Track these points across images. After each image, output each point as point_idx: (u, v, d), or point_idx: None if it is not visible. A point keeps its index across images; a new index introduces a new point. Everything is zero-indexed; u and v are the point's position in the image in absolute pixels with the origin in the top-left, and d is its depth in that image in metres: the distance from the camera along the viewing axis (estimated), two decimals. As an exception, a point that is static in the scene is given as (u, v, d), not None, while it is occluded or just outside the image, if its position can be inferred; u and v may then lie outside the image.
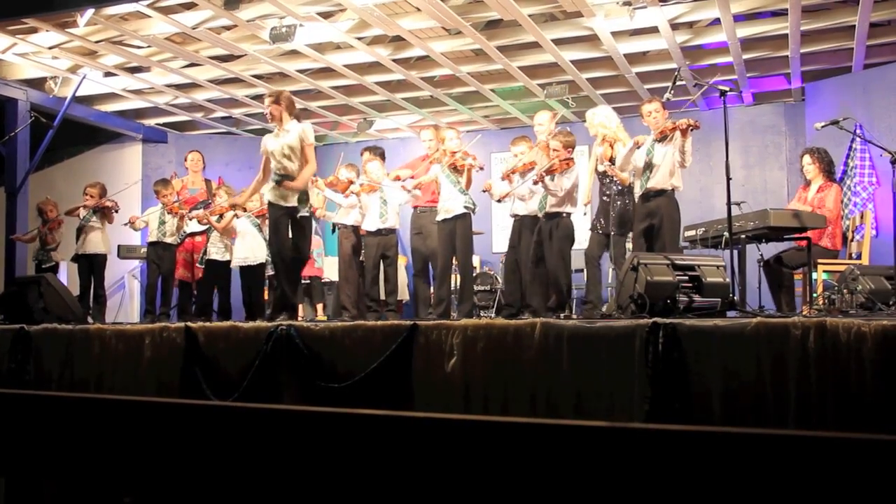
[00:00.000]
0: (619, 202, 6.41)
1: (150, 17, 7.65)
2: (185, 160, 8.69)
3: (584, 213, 7.35)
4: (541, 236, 6.38)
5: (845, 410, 3.50)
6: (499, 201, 7.04)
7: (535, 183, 6.32)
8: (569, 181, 6.31)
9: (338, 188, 7.43)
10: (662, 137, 6.07)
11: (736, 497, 1.65)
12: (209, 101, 10.39)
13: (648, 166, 6.09)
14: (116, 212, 8.26)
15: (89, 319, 7.60)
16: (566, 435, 1.80)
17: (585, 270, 6.54)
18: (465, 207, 6.75)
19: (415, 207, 7.45)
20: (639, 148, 6.25)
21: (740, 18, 7.91)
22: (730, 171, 5.32)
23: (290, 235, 6.28)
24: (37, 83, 9.66)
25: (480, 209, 10.51)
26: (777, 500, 1.62)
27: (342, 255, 7.54)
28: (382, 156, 7.72)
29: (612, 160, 6.46)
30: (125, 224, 8.40)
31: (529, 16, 7.49)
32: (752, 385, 3.72)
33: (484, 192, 6.96)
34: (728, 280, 5.21)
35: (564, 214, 6.35)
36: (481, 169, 6.88)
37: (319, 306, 9.48)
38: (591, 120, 6.76)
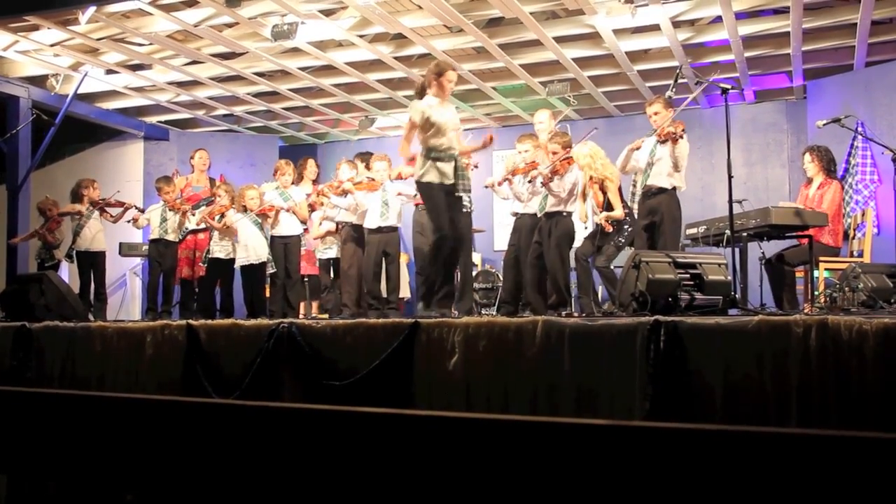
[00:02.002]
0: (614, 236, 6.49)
1: (151, 14, 7.65)
2: (192, 158, 8.69)
3: (585, 228, 7.19)
4: (541, 235, 6.40)
5: (847, 408, 3.49)
6: (505, 199, 7.08)
7: (544, 185, 6.32)
8: (569, 181, 6.34)
9: (336, 191, 7.48)
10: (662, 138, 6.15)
11: (737, 495, 1.65)
12: (211, 98, 10.39)
13: (649, 165, 6.17)
14: (141, 211, 8.29)
15: (90, 317, 7.61)
16: (567, 433, 1.80)
17: (575, 267, 6.57)
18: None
19: (417, 205, 7.45)
20: (638, 149, 6.30)
21: (742, 16, 7.90)
22: (731, 169, 5.32)
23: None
24: (38, 81, 9.65)
25: (482, 207, 10.56)
26: (778, 499, 1.62)
27: (343, 252, 7.55)
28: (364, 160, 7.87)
29: (607, 207, 6.45)
30: (128, 221, 8.41)
31: (531, 13, 7.48)
32: (754, 383, 3.72)
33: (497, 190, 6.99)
34: (729, 278, 5.21)
35: (564, 214, 6.36)
36: (475, 167, 6.86)
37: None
38: (578, 160, 6.51)
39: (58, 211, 8.42)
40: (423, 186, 5.67)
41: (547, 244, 6.32)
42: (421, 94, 5.83)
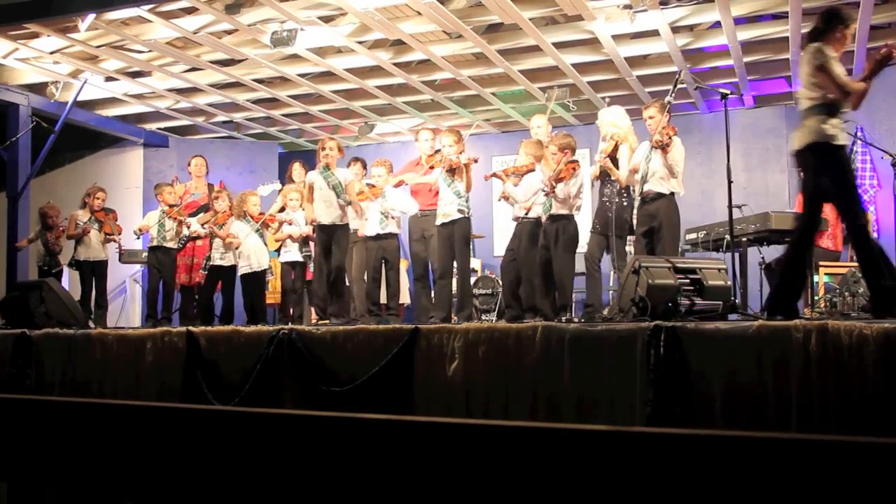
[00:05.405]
0: (616, 203, 6.42)
1: (151, 21, 7.66)
2: (189, 164, 8.70)
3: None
4: (546, 240, 6.39)
5: (847, 414, 3.49)
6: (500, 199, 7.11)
7: (547, 194, 6.31)
8: (574, 186, 6.32)
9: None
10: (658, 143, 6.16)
11: (738, 501, 1.65)
12: (210, 105, 10.40)
13: (646, 170, 6.16)
14: (137, 243, 8.29)
15: (91, 324, 7.60)
16: (568, 439, 1.80)
17: (586, 273, 6.53)
18: (459, 211, 6.73)
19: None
20: (636, 171, 6.31)
21: (741, 21, 7.91)
22: (731, 174, 5.33)
23: None
24: (38, 88, 9.67)
25: (482, 213, 10.58)
26: (779, 504, 1.62)
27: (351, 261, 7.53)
28: (364, 165, 7.85)
29: (612, 157, 6.46)
30: (135, 235, 8.41)
31: (530, 19, 7.50)
32: (754, 388, 3.72)
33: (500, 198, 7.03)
34: (729, 283, 5.21)
35: (569, 217, 6.35)
36: (475, 161, 6.86)
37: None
38: (603, 118, 6.77)
39: (61, 222, 8.41)
40: (836, 150, 4.49)
41: (555, 249, 6.31)
42: (815, 39, 4.66)
